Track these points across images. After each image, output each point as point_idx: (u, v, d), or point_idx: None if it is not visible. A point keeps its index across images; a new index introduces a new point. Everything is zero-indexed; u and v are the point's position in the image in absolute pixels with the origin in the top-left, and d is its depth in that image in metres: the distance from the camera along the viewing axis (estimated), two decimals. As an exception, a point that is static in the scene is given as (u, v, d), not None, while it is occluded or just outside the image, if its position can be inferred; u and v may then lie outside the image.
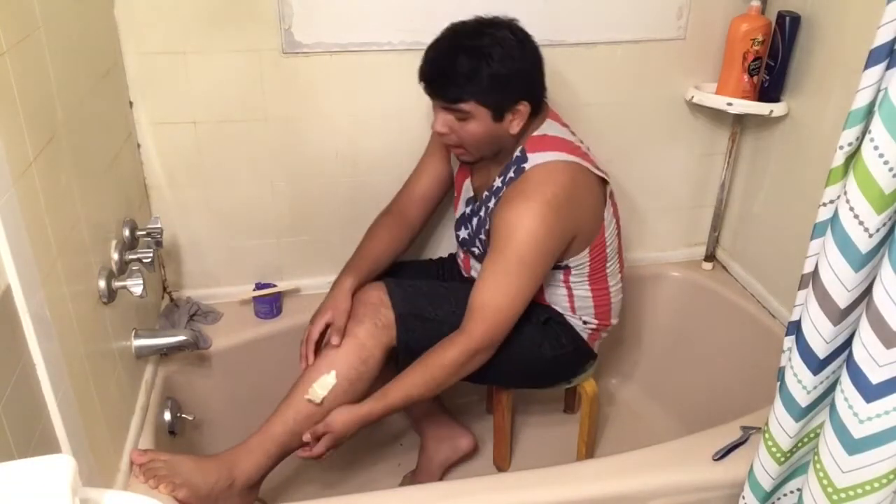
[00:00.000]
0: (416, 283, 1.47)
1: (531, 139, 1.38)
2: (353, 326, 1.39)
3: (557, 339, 1.50)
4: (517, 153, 1.38)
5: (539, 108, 1.40)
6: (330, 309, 1.42)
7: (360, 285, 1.45)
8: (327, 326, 1.42)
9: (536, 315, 1.47)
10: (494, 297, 1.34)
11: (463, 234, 1.56)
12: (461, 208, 1.57)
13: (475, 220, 1.50)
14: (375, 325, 1.39)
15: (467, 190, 1.55)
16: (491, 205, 1.43)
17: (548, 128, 1.40)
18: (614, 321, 1.57)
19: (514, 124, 1.35)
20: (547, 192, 1.31)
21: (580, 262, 1.44)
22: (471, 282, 1.51)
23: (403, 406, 1.37)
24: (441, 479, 1.72)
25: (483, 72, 1.28)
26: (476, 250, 1.52)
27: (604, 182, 1.43)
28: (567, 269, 1.45)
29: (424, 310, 1.41)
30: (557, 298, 1.50)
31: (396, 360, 1.42)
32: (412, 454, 1.80)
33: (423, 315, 1.41)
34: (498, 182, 1.42)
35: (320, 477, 1.71)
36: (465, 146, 1.38)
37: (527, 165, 1.35)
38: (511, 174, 1.38)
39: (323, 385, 1.35)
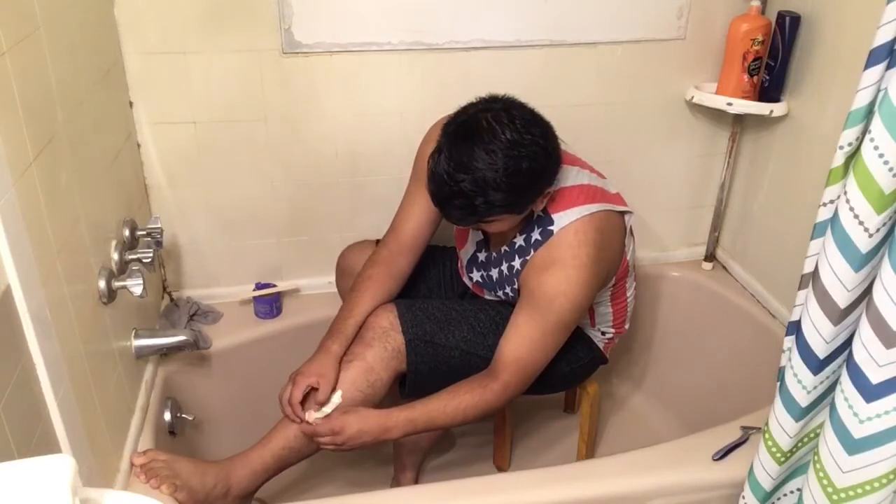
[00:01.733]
0: (428, 306, 1.44)
1: (550, 196, 1.32)
2: (362, 350, 1.37)
3: (574, 354, 1.50)
4: (539, 212, 1.33)
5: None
6: (315, 375, 1.33)
7: (345, 351, 1.39)
8: (309, 391, 1.35)
9: None
10: (532, 353, 1.33)
11: (476, 276, 1.52)
12: (470, 249, 1.52)
13: (494, 272, 1.46)
14: (385, 349, 1.37)
15: (475, 233, 1.51)
16: (515, 264, 1.38)
17: (563, 178, 1.33)
18: (627, 326, 1.57)
19: (538, 205, 1.30)
20: (581, 255, 1.28)
21: (606, 288, 1.44)
22: (481, 300, 1.51)
23: (423, 429, 1.33)
24: (417, 472, 1.71)
25: (500, 193, 1.19)
26: (499, 296, 1.49)
27: (623, 214, 1.40)
28: None
29: (435, 335, 1.39)
30: None
31: (402, 383, 1.42)
32: (412, 454, 1.80)
33: (434, 341, 1.39)
34: (520, 241, 1.37)
35: (320, 477, 1.71)
36: (489, 234, 1.36)
37: (553, 228, 1.31)
38: (537, 236, 1.33)
39: (328, 404, 1.34)
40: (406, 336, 1.38)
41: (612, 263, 1.39)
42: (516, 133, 1.18)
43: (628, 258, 1.45)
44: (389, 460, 1.79)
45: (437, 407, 1.31)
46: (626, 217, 1.41)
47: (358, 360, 1.36)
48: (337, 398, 1.34)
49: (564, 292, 1.30)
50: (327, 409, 1.33)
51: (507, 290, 1.44)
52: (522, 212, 1.28)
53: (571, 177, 1.35)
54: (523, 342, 1.33)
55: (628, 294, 1.51)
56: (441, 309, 1.44)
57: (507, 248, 1.41)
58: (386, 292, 1.47)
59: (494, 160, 1.17)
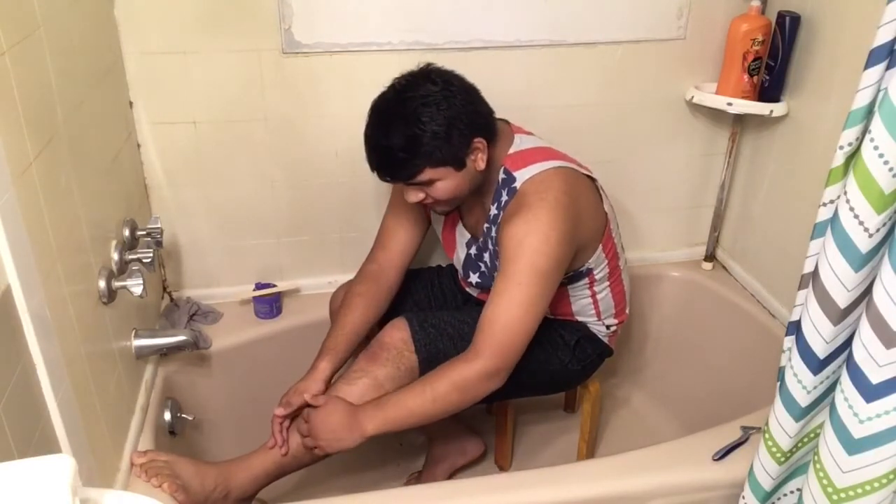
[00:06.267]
0: (440, 322, 1.42)
1: (509, 158, 1.35)
2: (372, 367, 1.36)
3: (584, 351, 1.51)
4: (502, 175, 1.35)
5: (495, 134, 1.36)
6: (302, 392, 1.38)
7: (336, 368, 1.42)
8: (299, 409, 1.37)
9: (567, 336, 1.48)
10: (508, 311, 1.26)
11: (474, 278, 1.51)
12: (462, 252, 1.52)
13: (486, 257, 1.45)
14: (398, 369, 1.36)
15: (462, 233, 1.51)
16: (493, 231, 1.39)
17: (519, 143, 1.37)
18: (628, 311, 1.58)
19: (479, 162, 1.31)
20: (548, 198, 1.28)
21: (599, 261, 1.44)
22: None
23: (405, 425, 1.29)
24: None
25: (420, 139, 1.23)
26: None
27: (591, 179, 1.43)
28: (590, 272, 1.44)
29: (449, 351, 1.37)
30: (584, 309, 1.50)
31: None
32: (412, 454, 1.80)
33: (449, 356, 1.36)
34: (493, 209, 1.38)
35: (320, 477, 1.71)
36: (442, 202, 1.34)
37: (517, 184, 1.33)
38: (504, 196, 1.35)
39: None
40: (420, 355, 1.37)
41: (584, 219, 1.35)
42: (433, 83, 1.27)
43: (612, 226, 1.45)
44: (391, 459, 1.79)
45: (410, 400, 1.27)
46: (596, 183, 1.43)
47: (367, 378, 1.35)
48: None
49: (532, 233, 1.25)
50: None
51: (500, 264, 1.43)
52: (461, 161, 1.29)
53: (528, 141, 1.39)
54: (499, 303, 1.27)
55: (623, 277, 1.52)
56: (452, 323, 1.43)
57: (487, 224, 1.41)
58: (376, 307, 1.49)
59: (419, 96, 1.25)
